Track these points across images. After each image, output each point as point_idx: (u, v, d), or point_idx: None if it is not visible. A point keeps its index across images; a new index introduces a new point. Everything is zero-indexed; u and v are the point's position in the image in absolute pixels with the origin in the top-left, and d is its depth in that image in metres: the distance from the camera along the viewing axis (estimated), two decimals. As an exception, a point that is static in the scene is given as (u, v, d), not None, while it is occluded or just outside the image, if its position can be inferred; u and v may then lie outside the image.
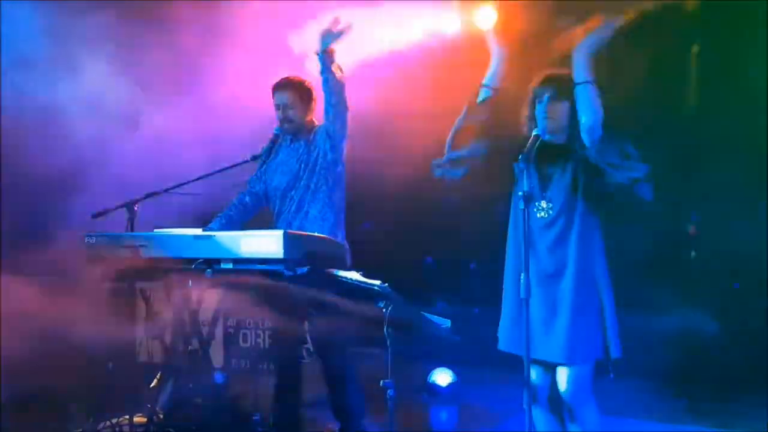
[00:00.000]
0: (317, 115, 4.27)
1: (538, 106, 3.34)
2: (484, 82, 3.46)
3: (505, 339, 3.42)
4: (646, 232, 5.55)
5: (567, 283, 3.26)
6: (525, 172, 3.07)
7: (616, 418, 4.48)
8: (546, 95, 3.31)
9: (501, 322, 3.49)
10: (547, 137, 3.30)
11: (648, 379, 5.71)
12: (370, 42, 6.06)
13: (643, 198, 3.23)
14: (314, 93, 4.22)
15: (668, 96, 5.65)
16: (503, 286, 3.50)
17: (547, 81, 3.34)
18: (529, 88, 3.43)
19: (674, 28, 5.54)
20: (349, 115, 4.13)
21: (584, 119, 3.20)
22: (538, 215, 3.32)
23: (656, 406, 5.29)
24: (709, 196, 5.65)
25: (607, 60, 3.27)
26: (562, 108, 3.30)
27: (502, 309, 3.49)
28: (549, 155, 3.33)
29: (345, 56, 4.18)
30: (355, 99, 4.16)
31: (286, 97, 4.18)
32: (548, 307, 3.28)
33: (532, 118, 3.37)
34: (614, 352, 3.29)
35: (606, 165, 3.18)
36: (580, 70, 3.20)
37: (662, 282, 5.73)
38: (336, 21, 3.92)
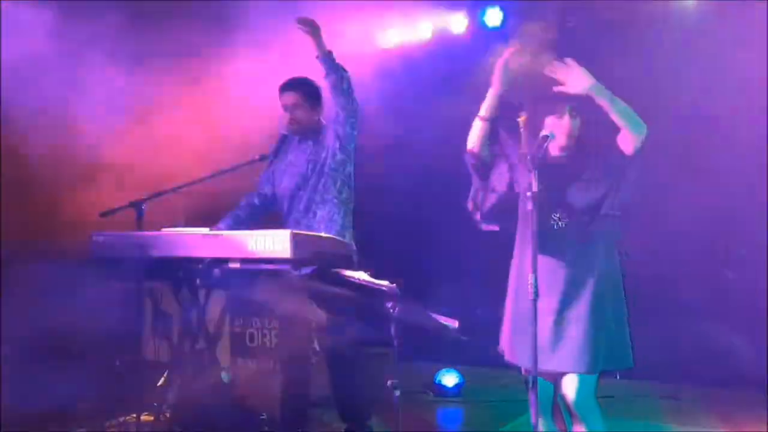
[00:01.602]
0: (325, 114, 4.27)
1: (552, 119, 3.31)
2: (480, 113, 3.42)
3: (512, 351, 3.41)
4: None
5: (581, 294, 3.26)
6: (534, 172, 3.07)
7: (618, 420, 4.48)
8: (567, 110, 3.30)
9: (504, 332, 3.48)
10: (556, 152, 3.32)
11: (648, 381, 5.73)
12: (379, 40, 6.07)
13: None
14: (321, 93, 4.22)
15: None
16: (507, 292, 3.49)
17: (567, 97, 3.32)
18: (535, 98, 3.42)
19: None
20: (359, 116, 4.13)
21: (639, 131, 3.20)
22: (555, 227, 3.31)
23: (656, 408, 5.30)
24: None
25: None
26: (576, 124, 3.32)
27: (505, 317, 3.49)
28: (561, 168, 3.33)
29: (352, 55, 4.19)
30: (363, 99, 4.16)
31: (293, 97, 4.19)
32: (560, 317, 3.26)
33: (537, 126, 3.34)
34: (628, 362, 3.32)
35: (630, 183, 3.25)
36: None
37: (661, 283, 5.73)
38: (303, 20, 3.93)
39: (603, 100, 3.18)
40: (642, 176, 3.28)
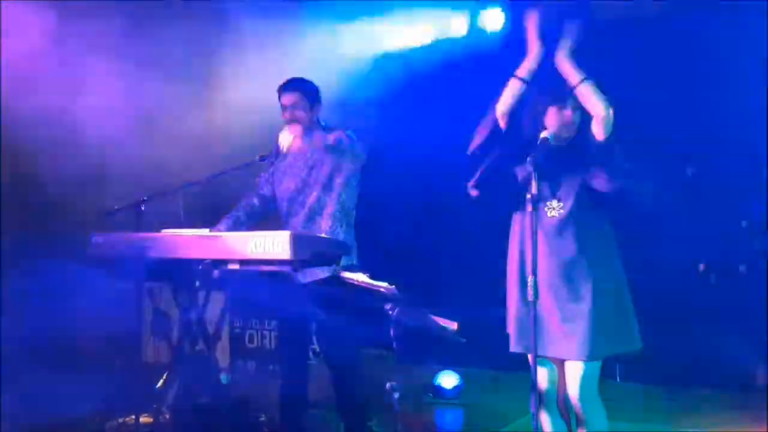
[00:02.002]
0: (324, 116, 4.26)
1: (553, 109, 3.33)
2: (522, 76, 3.41)
3: (517, 340, 3.41)
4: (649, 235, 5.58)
5: (585, 280, 3.26)
6: (534, 174, 3.07)
7: (617, 422, 4.48)
8: (569, 103, 3.32)
9: (509, 324, 3.48)
10: (555, 142, 3.32)
11: (647, 383, 5.73)
12: (380, 41, 6.06)
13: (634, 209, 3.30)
14: (320, 94, 4.22)
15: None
16: (507, 288, 3.49)
17: (571, 89, 3.32)
18: (539, 88, 3.43)
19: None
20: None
21: (598, 111, 3.23)
22: (549, 215, 3.32)
23: (657, 409, 5.29)
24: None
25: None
26: (577, 116, 3.34)
27: (509, 311, 3.49)
28: (557, 156, 3.34)
29: (353, 56, 4.19)
30: (363, 100, 4.16)
31: (293, 97, 4.18)
32: (565, 305, 3.26)
33: (538, 120, 3.36)
34: (636, 344, 3.32)
35: (610, 165, 3.23)
36: (574, 72, 3.26)
37: (659, 284, 5.73)
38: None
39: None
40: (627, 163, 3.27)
